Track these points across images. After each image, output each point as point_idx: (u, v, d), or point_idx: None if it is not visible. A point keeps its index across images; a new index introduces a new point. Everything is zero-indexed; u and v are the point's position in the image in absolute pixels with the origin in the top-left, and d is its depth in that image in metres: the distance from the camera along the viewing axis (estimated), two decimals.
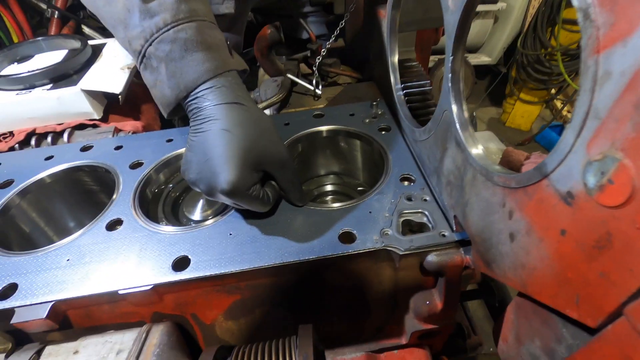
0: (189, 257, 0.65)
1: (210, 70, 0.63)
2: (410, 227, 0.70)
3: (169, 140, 0.93)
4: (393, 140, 0.86)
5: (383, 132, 0.89)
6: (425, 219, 0.68)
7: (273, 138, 0.67)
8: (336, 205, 0.72)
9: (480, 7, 3.96)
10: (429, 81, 0.91)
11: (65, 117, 1.01)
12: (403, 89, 0.89)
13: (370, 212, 0.70)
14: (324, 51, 1.06)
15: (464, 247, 0.63)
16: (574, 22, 3.46)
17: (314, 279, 0.68)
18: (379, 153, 0.85)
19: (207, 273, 0.62)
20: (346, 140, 0.93)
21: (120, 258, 0.66)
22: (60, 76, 1.03)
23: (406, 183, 0.75)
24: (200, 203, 0.85)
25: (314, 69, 1.06)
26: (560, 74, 3.49)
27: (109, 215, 0.75)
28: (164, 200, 0.86)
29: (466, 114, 0.57)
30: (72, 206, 0.89)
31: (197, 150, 0.63)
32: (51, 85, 1.01)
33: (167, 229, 0.71)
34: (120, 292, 0.62)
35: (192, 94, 0.63)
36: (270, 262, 0.63)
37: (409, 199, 0.71)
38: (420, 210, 0.69)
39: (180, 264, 0.65)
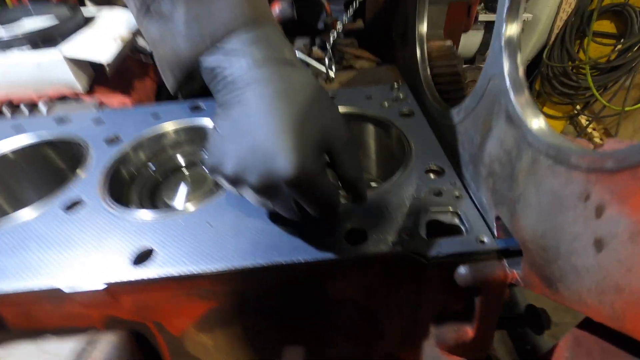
0: (155, 250, 0.52)
1: (247, 16, 0.45)
2: (437, 230, 0.55)
3: (156, 116, 0.80)
4: (417, 126, 0.72)
5: (405, 117, 0.75)
6: (457, 220, 0.53)
7: (333, 109, 0.50)
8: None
9: None
10: (461, 60, 0.77)
11: (45, 86, 0.90)
12: (431, 67, 0.75)
13: (386, 207, 0.55)
14: (339, 28, 0.93)
15: (508, 259, 0.48)
16: (604, 35, 3.29)
17: (311, 288, 0.53)
18: (398, 141, 0.70)
19: (175, 272, 0.49)
20: (359, 126, 0.79)
21: (71, 246, 0.53)
22: (45, 41, 0.92)
23: (432, 176, 0.61)
24: (181, 187, 0.72)
25: (328, 46, 0.93)
26: (587, 89, 3.30)
27: (68, 193, 0.62)
28: (142, 183, 0.73)
29: (522, 75, 0.43)
30: (38, 184, 0.77)
31: (235, 130, 0.44)
32: (33, 50, 0.90)
33: (135, 214, 0.58)
34: (64, 290, 0.48)
35: (220, 45, 0.45)
36: (255, 263, 0.49)
37: (437, 194, 0.56)
38: (450, 209, 0.54)
39: (143, 258, 0.51)
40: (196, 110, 0.81)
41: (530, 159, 0.41)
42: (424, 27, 0.75)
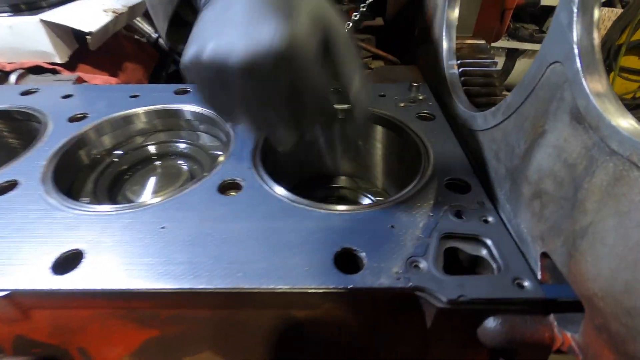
0: (84, 253, 0.39)
1: None
2: (457, 263, 0.42)
3: (134, 97, 0.69)
4: (437, 131, 0.59)
5: (423, 121, 0.62)
6: (485, 252, 0.40)
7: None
8: (341, 208, 0.45)
9: (529, 46, 3.69)
10: (495, 61, 0.64)
11: (20, 54, 0.80)
12: (460, 66, 0.63)
13: (392, 226, 0.42)
14: (356, 15, 0.82)
15: (558, 314, 0.34)
16: (631, 71, 3.15)
17: (284, 324, 0.40)
18: (413, 147, 0.58)
19: (103, 286, 0.36)
20: (366, 127, 0.66)
21: None
22: (30, 8, 0.83)
23: (454, 192, 0.48)
24: (149, 182, 0.60)
25: None
26: None
27: (4, 173, 0.51)
28: (104, 171, 0.61)
29: (599, 55, 0.31)
30: None
31: (219, 13, 0.37)
32: (13, 16, 0.81)
33: (76, 206, 0.46)
34: None
35: None
36: (210, 285, 0.36)
37: (459, 215, 0.43)
38: (476, 236, 0.41)
39: (67, 262, 0.39)
40: (181, 94, 0.70)
41: (610, 174, 0.28)
42: (454, 14, 0.63)
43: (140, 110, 0.63)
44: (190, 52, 0.36)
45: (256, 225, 0.42)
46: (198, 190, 0.48)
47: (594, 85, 0.30)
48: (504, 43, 3.41)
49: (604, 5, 3.58)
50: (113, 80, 0.88)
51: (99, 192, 0.57)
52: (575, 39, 0.31)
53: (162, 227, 0.42)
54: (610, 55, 3.16)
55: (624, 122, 0.27)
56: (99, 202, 0.55)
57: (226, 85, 0.36)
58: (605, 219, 0.28)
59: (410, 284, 0.36)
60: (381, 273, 0.37)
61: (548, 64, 0.35)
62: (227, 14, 0.36)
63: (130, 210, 0.45)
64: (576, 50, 0.31)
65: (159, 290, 0.37)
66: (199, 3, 0.42)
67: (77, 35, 0.85)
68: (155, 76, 1.10)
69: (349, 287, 0.36)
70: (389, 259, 0.39)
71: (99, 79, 0.85)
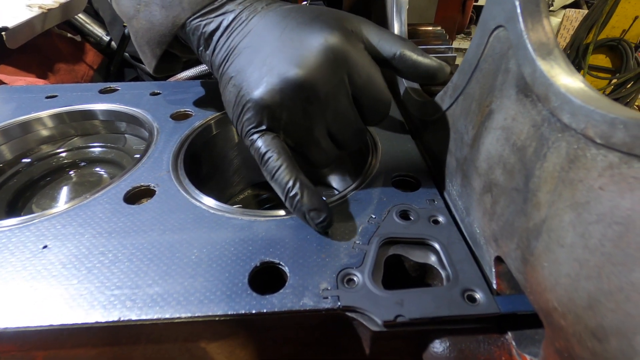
0: None
1: None
2: (401, 274, 0.36)
3: (51, 97, 0.61)
4: (388, 123, 0.53)
5: None
6: (433, 258, 0.34)
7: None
8: (267, 213, 0.38)
9: None
10: (451, 46, 0.59)
11: None
12: None
13: (324, 232, 0.36)
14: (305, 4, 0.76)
15: (516, 332, 0.28)
16: (600, 69, 3.23)
17: None
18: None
19: None
20: None
21: None
22: None
23: (403, 190, 0.41)
24: (61, 194, 0.52)
25: None
26: None
27: None
28: (1, 183, 0.52)
29: (546, 14, 0.25)
30: None
31: (247, 55, 0.38)
32: None
33: None
34: None
35: (209, 9, 0.41)
36: (88, 318, 0.28)
37: (405, 216, 0.37)
38: (424, 239, 0.35)
39: None
40: (107, 92, 0.62)
41: (563, 156, 0.22)
42: None
43: (44, 113, 0.54)
44: (268, 89, 0.35)
45: (160, 239, 0.35)
46: (100, 199, 0.40)
47: (541, 49, 0.24)
48: None
49: (570, 6, 3.69)
50: (41, 82, 0.79)
51: None
52: None
53: (44, 247, 0.34)
54: (578, 54, 3.24)
55: (574, 83, 0.22)
56: None
57: (316, 98, 0.36)
58: (560, 212, 0.22)
59: (339, 303, 0.29)
60: (306, 291, 0.30)
61: (491, 31, 0.30)
62: (266, 50, 0.37)
63: (8, 227, 0.36)
64: (519, 9, 0.25)
65: (23, 329, 0.29)
66: (196, 37, 0.41)
67: None
68: (101, 79, 1.01)
69: (264, 311, 0.29)
70: (318, 273, 0.32)
71: (23, 80, 0.76)
